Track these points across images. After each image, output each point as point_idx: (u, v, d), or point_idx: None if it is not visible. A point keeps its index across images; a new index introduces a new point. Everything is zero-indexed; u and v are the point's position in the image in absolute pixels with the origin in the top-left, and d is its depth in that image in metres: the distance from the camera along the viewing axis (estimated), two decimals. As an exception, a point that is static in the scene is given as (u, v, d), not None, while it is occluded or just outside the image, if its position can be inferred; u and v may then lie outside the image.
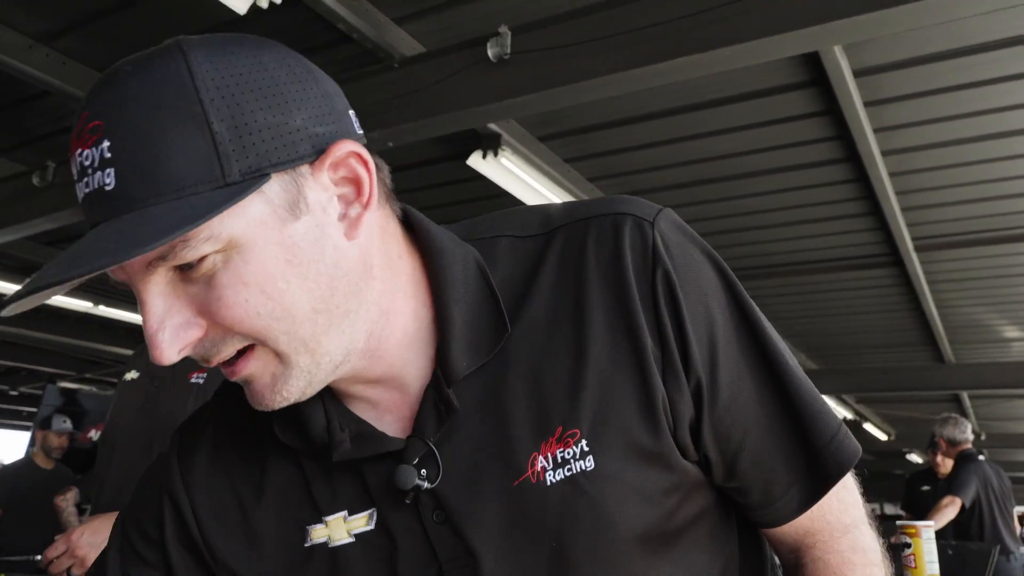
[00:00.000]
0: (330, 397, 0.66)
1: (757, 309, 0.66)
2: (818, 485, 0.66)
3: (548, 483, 0.61)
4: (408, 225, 0.67)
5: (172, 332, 0.55)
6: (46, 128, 4.38)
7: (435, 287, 0.64)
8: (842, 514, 0.69)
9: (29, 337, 7.80)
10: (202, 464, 0.72)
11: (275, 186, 0.56)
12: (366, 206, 0.60)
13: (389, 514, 0.65)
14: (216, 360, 0.57)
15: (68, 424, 5.17)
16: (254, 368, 0.58)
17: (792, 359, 0.67)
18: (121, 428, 1.65)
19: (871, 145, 3.68)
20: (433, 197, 4.58)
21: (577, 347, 0.62)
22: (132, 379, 1.71)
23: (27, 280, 0.54)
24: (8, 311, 0.56)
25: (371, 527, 0.66)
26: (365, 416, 0.66)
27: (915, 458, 12.54)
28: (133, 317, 7.15)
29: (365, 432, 0.65)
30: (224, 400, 0.76)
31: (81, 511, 4.71)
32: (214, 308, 0.55)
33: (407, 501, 0.63)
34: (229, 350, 0.57)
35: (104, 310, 6.88)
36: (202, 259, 0.54)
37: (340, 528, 0.67)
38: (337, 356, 0.60)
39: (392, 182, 0.66)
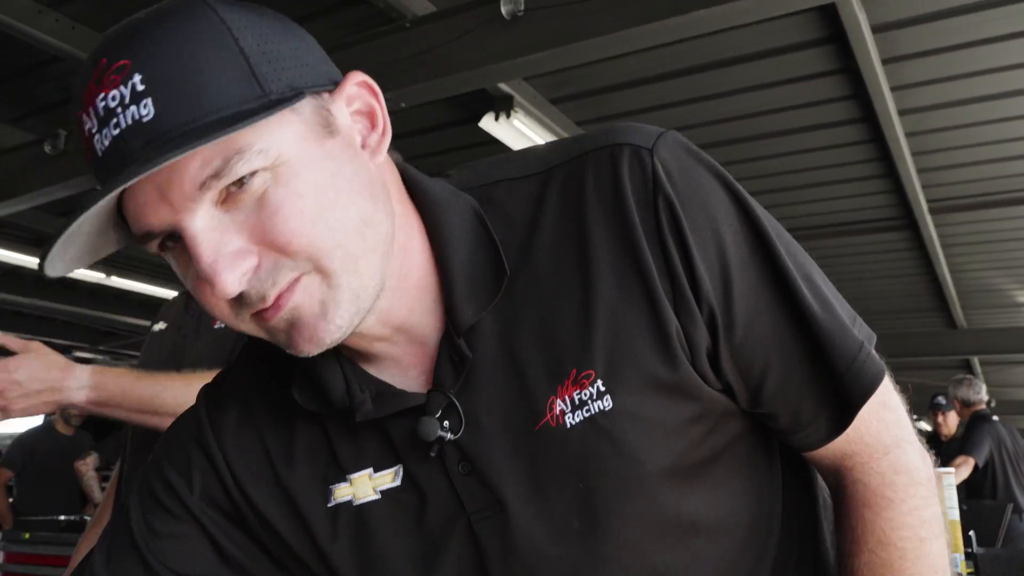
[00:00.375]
0: (347, 361, 0.66)
1: (774, 230, 0.64)
2: (844, 410, 0.64)
3: (568, 425, 0.61)
4: (403, 179, 0.67)
5: (229, 261, 0.54)
6: (56, 96, 4.36)
7: (433, 237, 0.64)
8: (882, 434, 0.67)
9: (42, 307, 7.85)
10: (232, 424, 0.72)
11: (307, 107, 0.57)
12: (383, 133, 0.62)
13: (415, 469, 0.65)
14: (273, 293, 0.56)
15: (85, 391, 5.22)
16: (301, 298, 0.57)
17: (813, 279, 0.65)
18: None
19: (888, 104, 3.63)
20: (446, 162, 4.55)
21: (584, 287, 0.61)
22: (160, 330, 1.72)
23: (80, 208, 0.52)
24: (60, 255, 0.55)
25: (397, 483, 0.66)
26: (390, 374, 0.66)
27: (924, 426, 12.54)
28: (146, 288, 7.18)
29: (385, 391, 0.65)
30: (248, 364, 0.75)
31: (103, 477, 4.77)
32: (269, 225, 0.54)
33: (432, 454, 0.63)
34: (284, 280, 0.56)
35: (117, 281, 6.91)
36: (252, 177, 0.54)
37: (365, 485, 0.67)
38: (376, 281, 0.60)
39: (404, 148, 0.66)
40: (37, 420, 6.45)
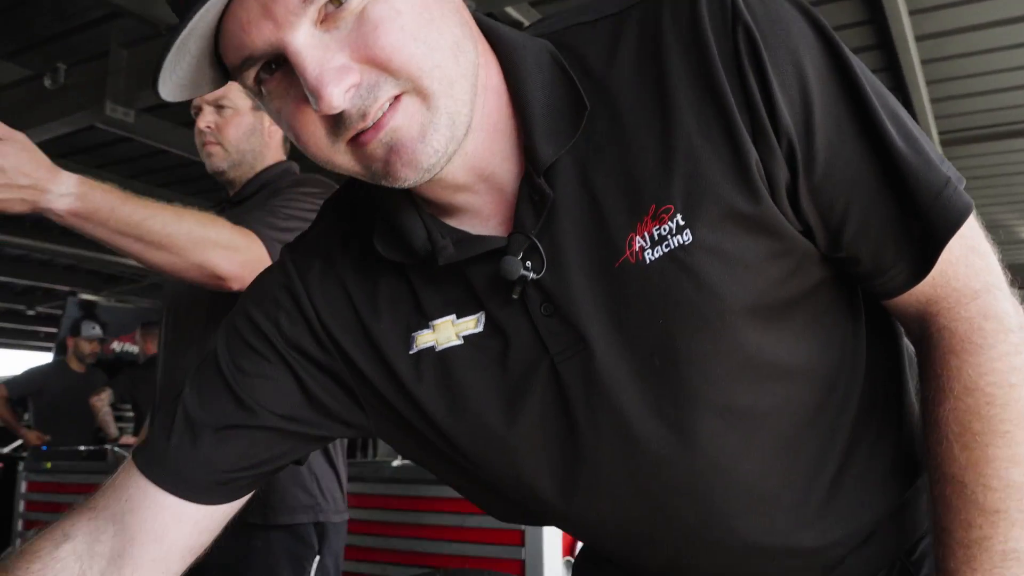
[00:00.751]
0: (428, 215, 0.67)
1: (859, 67, 0.61)
2: (929, 248, 0.62)
3: (647, 261, 0.60)
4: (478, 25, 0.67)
5: (333, 75, 0.54)
6: (54, 28, 4.26)
7: (510, 79, 0.63)
8: (971, 279, 0.64)
9: (44, 250, 7.82)
10: (316, 275, 0.73)
11: None
12: None
13: (497, 314, 0.66)
14: (373, 109, 0.56)
15: (98, 330, 5.24)
16: (402, 119, 0.57)
17: (899, 116, 0.63)
18: (181, 293, 1.65)
19: (905, 29, 3.57)
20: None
21: (663, 122, 0.60)
22: None
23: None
24: (170, 73, 0.57)
25: (479, 329, 0.66)
26: (470, 225, 0.66)
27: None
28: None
29: (466, 237, 0.65)
30: (328, 222, 0.76)
31: (118, 417, 4.82)
32: (372, 40, 0.55)
33: (514, 296, 0.63)
34: (384, 96, 0.56)
35: (119, 224, 6.87)
36: None
37: (448, 330, 0.68)
38: (468, 109, 0.59)
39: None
40: (46, 356, 6.47)
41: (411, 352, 0.69)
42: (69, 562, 0.68)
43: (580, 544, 2.23)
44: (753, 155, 0.59)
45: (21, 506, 3.23)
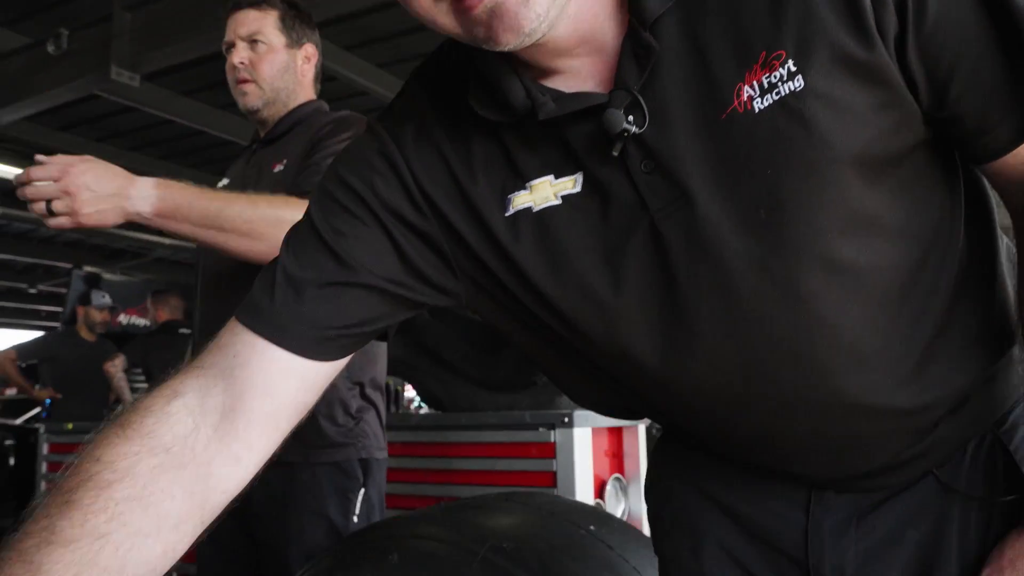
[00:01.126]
0: (527, 78, 0.66)
1: None
2: None
3: (756, 111, 0.60)
4: None
5: None
6: (55, -7, 4.23)
7: None
8: None
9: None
10: (410, 139, 0.73)
11: None
12: None
13: (597, 173, 0.66)
14: None
15: (107, 299, 5.22)
16: None
17: None
18: (210, 253, 1.65)
19: None
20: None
21: None
22: (224, 185, 1.71)
23: None
24: None
25: (578, 189, 0.67)
26: (567, 86, 0.66)
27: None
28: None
29: (565, 95, 0.65)
30: (418, 88, 0.76)
31: (133, 388, 4.84)
32: None
33: (614, 153, 0.63)
34: None
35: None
36: None
37: (546, 190, 0.68)
38: None
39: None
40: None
41: (507, 214, 0.69)
42: (182, 416, 0.68)
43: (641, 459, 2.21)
44: (867, 0, 0.59)
45: (43, 467, 3.24)
